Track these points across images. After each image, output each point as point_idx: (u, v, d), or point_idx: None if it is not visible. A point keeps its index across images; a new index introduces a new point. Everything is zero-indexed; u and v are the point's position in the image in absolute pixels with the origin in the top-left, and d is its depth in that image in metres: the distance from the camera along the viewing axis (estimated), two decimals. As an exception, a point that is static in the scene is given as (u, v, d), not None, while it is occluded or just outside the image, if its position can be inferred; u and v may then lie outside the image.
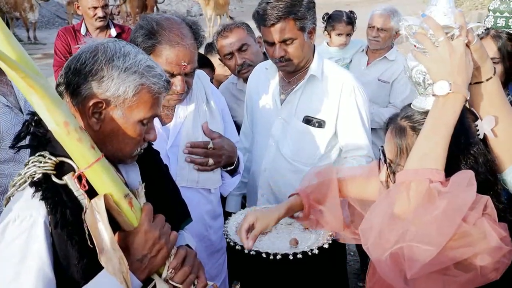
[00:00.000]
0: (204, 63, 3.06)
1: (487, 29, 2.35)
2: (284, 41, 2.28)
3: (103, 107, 1.31)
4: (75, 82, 1.30)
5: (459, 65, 1.28)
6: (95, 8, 3.93)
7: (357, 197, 1.80)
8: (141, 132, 1.37)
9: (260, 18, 2.28)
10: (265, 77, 2.56)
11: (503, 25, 2.34)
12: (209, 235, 2.22)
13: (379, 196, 1.59)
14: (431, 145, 1.27)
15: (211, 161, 2.08)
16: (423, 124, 1.35)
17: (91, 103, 1.29)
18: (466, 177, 1.26)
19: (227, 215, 2.57)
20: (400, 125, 1.42)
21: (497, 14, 2.37)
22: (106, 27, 4.07)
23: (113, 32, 4.07)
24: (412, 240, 1.21)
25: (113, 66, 1.30)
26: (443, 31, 1.29)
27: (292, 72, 2.42)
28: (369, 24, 3.74)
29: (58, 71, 3.97)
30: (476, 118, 1.41)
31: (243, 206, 2.77)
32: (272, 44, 2.30)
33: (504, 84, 2.39)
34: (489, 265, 1.23)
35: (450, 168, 1.29)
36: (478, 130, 1.38)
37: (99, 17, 3.96)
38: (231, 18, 14.75)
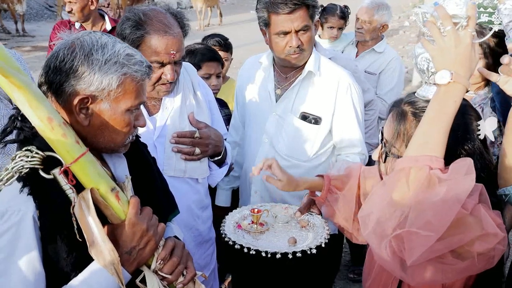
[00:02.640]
0: (214, 57, 2.98)
1: None
2: (300, 30, 2.23)
3: (89, 102, 1.30)
4: (57, 81, 1.29)
5: (464, 55, 1.28)
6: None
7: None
8: (130, 120, 1.37)
9: (274, 4, 2.20)
10: (259, 71, 2.51)
11: (487, 21, 2.32)
12: (197, 225, 2.23)
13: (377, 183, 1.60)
14: (431, 133, 1.28)
15: (197, 150, 2.10)
16: (424, 111, 1.36)
17: (76, 100, 1.29)
18: (465, 165, 1.27)
19: (217, 209, 2.57)
20: (402, 109, 1.47)
21: (481, 9, 2.34)
22: (101, 20, 4.02)
23: (108, 25, 4.01)
24: (411, 226, 1.22)
25: (93, 60, 1.28)
26: (451, 20, 1.28)
27: (291, 67, 2.39)
28: (355, 16, 3.77)
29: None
30: (479, 117, 1.43)
31: (233, 199, 2.77)
32: (287, 33, 2.24)
33: (486, 81, 2.38)
34: (485, 252, 1.26)
35: (445, 159, 1.29)
36: (479, 130, 1.40)
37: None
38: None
